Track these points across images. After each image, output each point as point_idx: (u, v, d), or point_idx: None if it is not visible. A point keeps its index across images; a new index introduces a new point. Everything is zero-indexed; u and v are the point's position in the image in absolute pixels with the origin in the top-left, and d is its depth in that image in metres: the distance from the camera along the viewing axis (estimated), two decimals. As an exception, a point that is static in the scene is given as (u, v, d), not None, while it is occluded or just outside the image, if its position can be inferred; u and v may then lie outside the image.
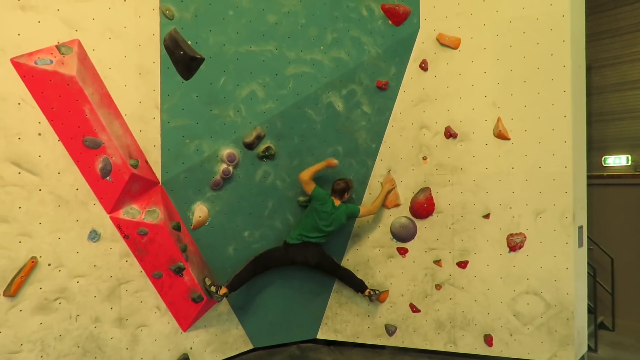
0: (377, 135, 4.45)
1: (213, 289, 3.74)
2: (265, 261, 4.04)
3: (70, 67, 3.09)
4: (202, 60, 3.68)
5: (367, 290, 4.29)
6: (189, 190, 3.76)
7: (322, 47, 4.11)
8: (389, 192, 4.36)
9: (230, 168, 3.86)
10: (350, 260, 4.58)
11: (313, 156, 4.23)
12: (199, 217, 3.82)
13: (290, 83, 4.00)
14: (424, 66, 4.34)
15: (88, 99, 3.14)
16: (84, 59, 3.23)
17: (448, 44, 4.24)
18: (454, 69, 4.23)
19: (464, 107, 4.20)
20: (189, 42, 3.65)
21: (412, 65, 4.37)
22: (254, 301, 4.27)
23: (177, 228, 3.68)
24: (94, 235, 3.33)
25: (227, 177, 3.87)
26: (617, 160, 5.91)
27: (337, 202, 4.13)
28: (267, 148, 3.99)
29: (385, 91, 4.38)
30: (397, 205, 4.38)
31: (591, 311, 4.97)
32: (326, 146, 4.27)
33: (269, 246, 4.19)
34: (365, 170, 4.52)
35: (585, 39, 4.26)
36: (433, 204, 4.31)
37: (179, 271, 3.63)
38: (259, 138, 3.94)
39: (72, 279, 3.28)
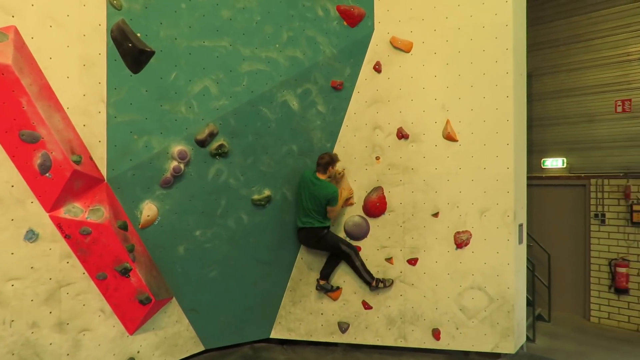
0: (332, 134, 4.51)
1: (381, 285, 4.27)
2: None
3: (5, 56, 2.90)
4: (152, 53, 3.56)
5: (375, 282, 4.33)
6: (137, 188, 3.63)
7: (277, 45, 4.10)
8: (347, 199, 4.40)
9: (182, 165, 3.77)
10: (304, 259, 4.60)
11: (268, 155, 4.22)
12: (148, 216, 3.70)
13: (244, 80, 3.97)
14: (377, 68, 4.46)
15: (25, 90, 2.95)
16: (21, 47, 3.03)
17: (401, 47, 4.38)
18: (406, 71, 4.37)
19: (416, 109, 4.35)
20: (139, 35, 3.52)
21: (367, 67, 4.47)
22: (205, 302, 4.20)
23: (124, 227, 3.55)
24: (31, 236, 3.14)
25: (178, 175, 3.77)
26: (554, 163, 6.34)
27: (322, 177, 4.19)
28: (220, 146, 3.93)
29: (340, 91, 4.45)
30: (351, 204, 4.46)
31: (530, 304, 5.31)
32: (281, 145, 4.28)
33: (222, 246, 4.15)
34: (320, 170, 4.57)
35: (527, 48, 4.55)
36: (385, 203, 4.43)
37: (126, 272, 3.50)
38: (212, 135, 3.88)
39: (6, 282, 3.07)
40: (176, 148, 3.74)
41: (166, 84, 3.65)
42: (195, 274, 4.09)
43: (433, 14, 4.29)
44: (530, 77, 6.07)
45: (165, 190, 3.77)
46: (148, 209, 3.70)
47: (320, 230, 4.26)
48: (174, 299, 3.99)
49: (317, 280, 4.45)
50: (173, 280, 3.94)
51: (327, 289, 4.41)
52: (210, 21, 3.81)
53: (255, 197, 4.24)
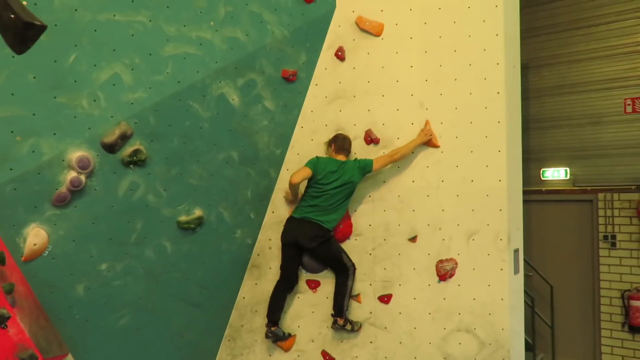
0: (283, 138, 4.54)
1: (349, 326, 4.37)
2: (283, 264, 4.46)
3: None
4: (43, 28, 3.42)
5: (342, 320, 4.37)
6: (20, 207, 3.50)
7: (212, 23, 4.11)
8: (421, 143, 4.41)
9: (83, 177, 3.67)
10: (247, 298, 4.57)
11: (199, 164, 4.19)
12: (34, 244, 3.57)
13: (168, 67, 3.94)
14: (340, 55, 4.55)
15: None
16: None
17: (369, 29, 4.50)
18: (376, 60, 4.49)
19: (388, 107, 4.48)
20: (25, 3, 3.42)
21: (327, 53, 4.55)
22: (114, 359, 4.06)
23: (1, 261, 3.39)
24: None
25: (77, 190, 3.67)
26: (555, 174, 6.70)
27: (343, 158, 4.39)
28: (136, 151, 3.87)
29: (292, 83, 4.50)
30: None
31: (530, 348, 5.53)
32: (216, 151, 4.26)
33: (137, 284, 4.06)
34: (268, 183, 4.58)
35: (521, 34, 4.80)
36: (350, 225, 4.49)
37: (2, 321, 3.34)
38: (125, 138, 3.81)
39: None
40: (75, 154, 3.64)
41: (62, 70, 3.56)
42: (100, 321, 3.97)
43: (408, -8, 4.45)
44: (525, 69, 6.42)
45: (60, 210, 3.65)
46: (34, 236, 3.57)
47: (328, 232, 4.35)
48: (69, 356, 3.84)
49: (268, 325, 4.40)
50: (69, 331, 3.81)
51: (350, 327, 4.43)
52: (123, -11, 3.76)
53: (183, 218, 4.19)
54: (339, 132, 4.53)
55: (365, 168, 4.33)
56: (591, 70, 6.42)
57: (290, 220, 4.42)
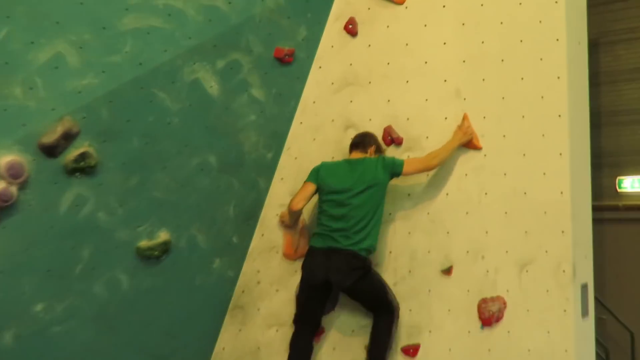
0: (276, 137, 4.57)
1: None
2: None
3: None
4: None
5: None
6: None
7: (184, -13, 4.17)
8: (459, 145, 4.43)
9: (14, 189, 3.71)
10: (227, 350, 4.59)
11: (166, 171, 4.22)
12: (-51, 277, 3.59)
13: (127, 44, 3.97)
14: (351, 29, 4.60)
15: None
16: None
17: (389, -5, 4.57)
18: (398, 35, 4.54)
19: (413, 96, 4.51)
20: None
21: (334, 27, 4.60)
22: None
23: None
24: None
25: (6, 205, 3.70)
26: (636, 184, 6.69)
27: (359, 155, 4.39)
28: (83, 155, 3.89)
29: (289, 66, 4.54)
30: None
31: (602, 416, 5.52)
32: (188, 154, 4.29)
33: (83, 330, 4.06)
34: (256, 196, 4.61)
35: (589, 1, 4.85)
36: (365, 252, 4.51)
37: None
38: (69, 137, 3.84)
39: None
40: (4, 159, 3.67)
41: (-12, 49, 3.61)
42: (35, 380, 3.96)
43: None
44: (595, 46, 6.45)
45: (-17, 232, 3.68)
46: (-50, 266, 3.60)
47: (364, 260, 4.32)
48: None
49: None
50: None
51: None
52: (68, -56, 3.81)
53: (144, 243, 4.21)
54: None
55: (393, 168, 4.30)
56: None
57: (313, 253, 4.38)
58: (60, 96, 3.81)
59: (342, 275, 4.24)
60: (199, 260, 4.44)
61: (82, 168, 3.91)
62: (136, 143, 4.09)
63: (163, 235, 4.26)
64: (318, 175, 4.38)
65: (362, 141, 4.44)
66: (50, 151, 3.82)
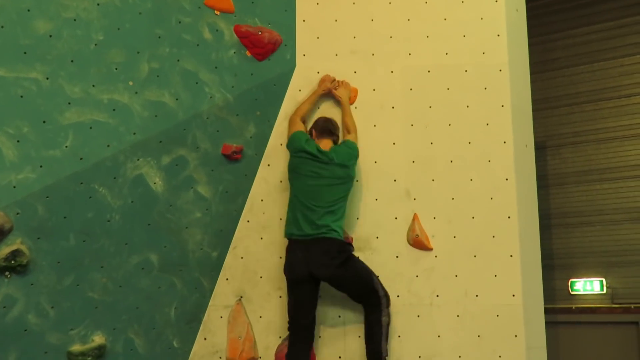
0: (222, 236, 4.54)
1: None
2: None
3: None
4: None
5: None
6: None
7: (130, 83, 4.19)
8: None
9: None
10: None
11: (103, 270, 4.12)
12: None
13: (68, 139, 3.96)
14: (300, 127, 4.65)
15: None
16: None
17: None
18: (348, 134, 4.61)
19: (363, 196, 4.56)
20: None
21: (283, 125, 4.66)
22: None
23: None
24: None
25: None
26: (588, 286, 6.77)
27: (328, 145, 4.41)
28: (14, 253, 3.80)
29: (237, 163, 4.56)
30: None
31: None
32: (128, 253, 4.22)
33: None
34: (199, 298, 4.51)
35: (534, 105, 5.04)
36: (313, 357, 4.38)
37: None
38: (0, 234, 3.74)
39: None
40: None
41: None
42: None
43: (389, 49, 4.68)
44: (542, 149, 6.64)
45: None
46: None
47: (344, 245, 4.30)
48: None
49: None
50: None
51: None
52: (13, 37, 3.83)
53: (76, 348, 4.06)
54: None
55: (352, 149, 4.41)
56: (626, 152, 6.68)
57: (293, 247, 4.29)
58: (-8, 190, 3.74)
59: (321, 265, 4.18)
60: (136, 366, 4.26)
61: (13, 267, 3.82)
62: (72, 241, 4.02)
63: (97, 339, 4.13)
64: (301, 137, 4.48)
65: (327, 129, 4.51)
66: (-22, 248, 3.71)
